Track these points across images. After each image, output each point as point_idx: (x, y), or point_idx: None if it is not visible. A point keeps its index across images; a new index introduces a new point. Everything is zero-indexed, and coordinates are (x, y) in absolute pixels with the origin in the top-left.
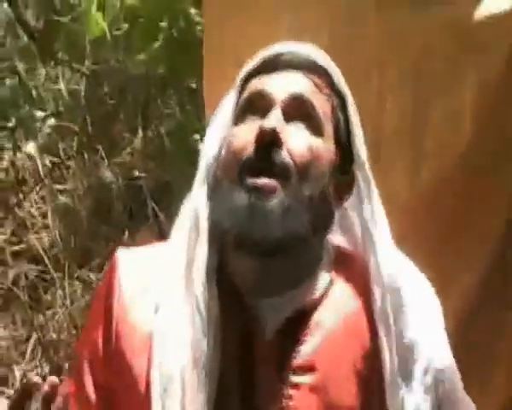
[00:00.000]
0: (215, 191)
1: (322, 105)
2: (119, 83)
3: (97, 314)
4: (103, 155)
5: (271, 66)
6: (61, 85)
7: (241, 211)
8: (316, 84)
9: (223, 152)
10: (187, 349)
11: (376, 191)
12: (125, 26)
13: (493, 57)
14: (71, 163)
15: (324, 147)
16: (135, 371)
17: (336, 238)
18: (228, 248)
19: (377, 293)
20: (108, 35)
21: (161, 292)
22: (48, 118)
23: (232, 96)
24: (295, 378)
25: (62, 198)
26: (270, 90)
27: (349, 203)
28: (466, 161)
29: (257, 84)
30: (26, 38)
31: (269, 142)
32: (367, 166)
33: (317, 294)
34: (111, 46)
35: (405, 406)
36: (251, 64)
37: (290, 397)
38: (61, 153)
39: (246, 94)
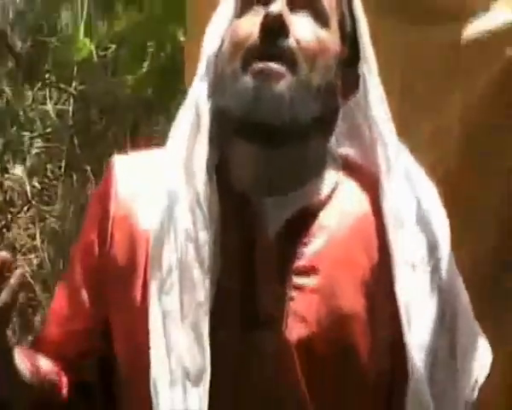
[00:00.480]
0: (217, 84)
1: None
2: (106, 104)
3: (93, 216)
4: (91, 176)
5: None
6: (49, 106)
7: (247, 94)
8: None
9: (225, 45)
10: (186, 242)
11: (381, 87)
12: (112, 47)
13: (480, 80)
14: (59, 185)
15: (330, 38)
16: (131, 268)
17: (345, 150)
18: (230, 141)
19: (389, 193)
20: (95, 57)
21: (159, 190)
22: (35, 139)
23: None
24: (297, 280)
25: (51, 219)
26: None
27: (355, 105)
28: (451, 179)
29: None
30: (12, 62)
31: (275, 28)
32: (373, 59)
33: (323, 195)
34: (98, 68)
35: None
36: None
37: (292, 299)
38: (49, 174)
39: None
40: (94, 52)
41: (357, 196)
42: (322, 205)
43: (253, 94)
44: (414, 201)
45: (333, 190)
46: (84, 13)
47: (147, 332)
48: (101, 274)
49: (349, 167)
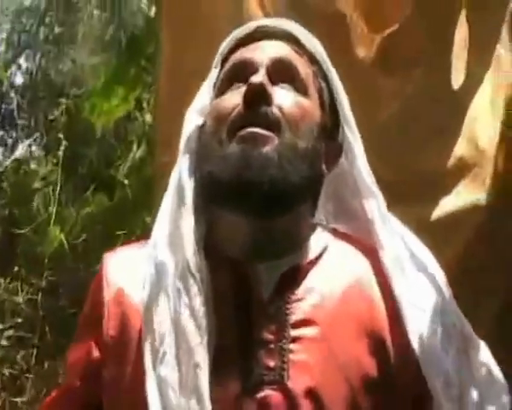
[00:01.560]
0: (202, 154)
1: (304, 69)
2: (77, 292)
3: (88, 317)
4: (63, 363)
5: (251, 39)
6: (20, 299)
7: (235, 158)
8: (296, 51)
9: (208, 122)
10: (180, 307)
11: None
12: (83, 236)
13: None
14: (30, 372)
15: (311, 105)
16: (125, 344)
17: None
18: (219, 211)
19: (385, 243)
20: (66, 246)
21: (148, 268)
22: (6, 330)
23: (213, 73)
24: (295, 333)
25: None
26: (253, 57)
27: (341, 174)
28: None
29: (239, 55)
30: None
31: (258, 96)
32: (354, 126)
33: (314, 254)
34: (69, 257)
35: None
36: (230, 39)
37: (291, 351)
38: (21, 362)
39: (228, 66)
40: (65, 242)
41: (348, 251)
42: (313, 263)
43: (241, 156)
44: (407, 250)
45: (324, 249)
46: (56, 201)
47: (145, 404)
48: (99, 367)
49: (339, 233)
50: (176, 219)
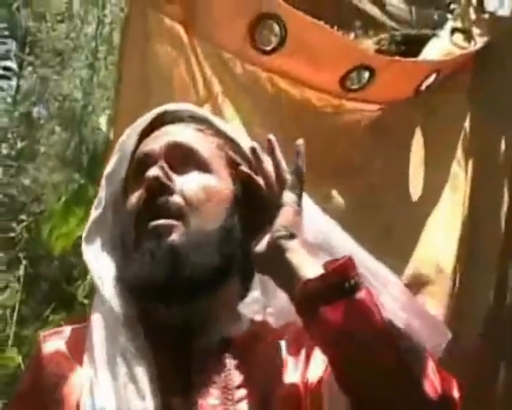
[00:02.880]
0: (120, 263)
1: (206, 146)
2: None
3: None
4: None
5: (157, 123)
6: None
7: (144, 259)
8: (198, 129)
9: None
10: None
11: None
12: None
13: None
14: None
15: (218, 182)
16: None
17: None
18: (146, 309)
19: None
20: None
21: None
22: None
23: (123, 162)
24: (238, 394)
25: None
26: (151, 150)
27: None
28: None
29: (141, 148)
30: None
31: (155, 188)
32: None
33: (244, 327)
34: None
35: None
36: (132, 132)
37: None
38: None
39: (135, 160)
40: (22, 364)
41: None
42: (245, 334)
43: (151, 258)
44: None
45: (253, 322)
46: (14, 323)
47: None
48: None
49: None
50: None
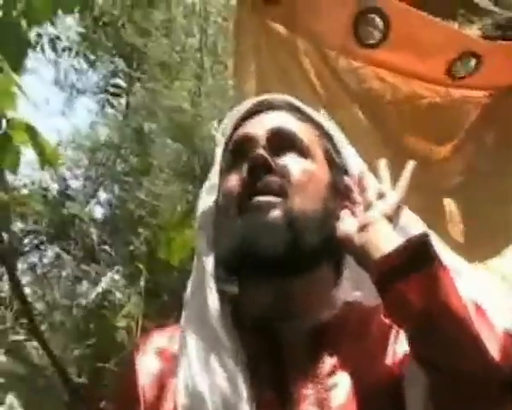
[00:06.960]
0: (217, 231)
1: (306, 132)
2: None
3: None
4: None
5: (254, 111)
6: None
7: (245, 232)
8: (298, 118)
9: (220, 199)
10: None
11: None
12: None
13: None
14: None
15: (317, 168)
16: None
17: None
18: (241, 285)
19: None
20: None
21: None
22: None
23: (220, 147)
24: (331, 381)
25: None
26: (253, 132)
27: None
28: None
29: (240, 131)
30: None
31: (259, 165)
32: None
33: (337, 309)
34: None
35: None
36: (231, 118)
37: (330, 400)
38: None
39: (231, 143)
40: None
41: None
42: (337, 318)
43: (249, 227)
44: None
45: (346, 303)
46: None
47: None
48: None
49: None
50: (202, 299)
